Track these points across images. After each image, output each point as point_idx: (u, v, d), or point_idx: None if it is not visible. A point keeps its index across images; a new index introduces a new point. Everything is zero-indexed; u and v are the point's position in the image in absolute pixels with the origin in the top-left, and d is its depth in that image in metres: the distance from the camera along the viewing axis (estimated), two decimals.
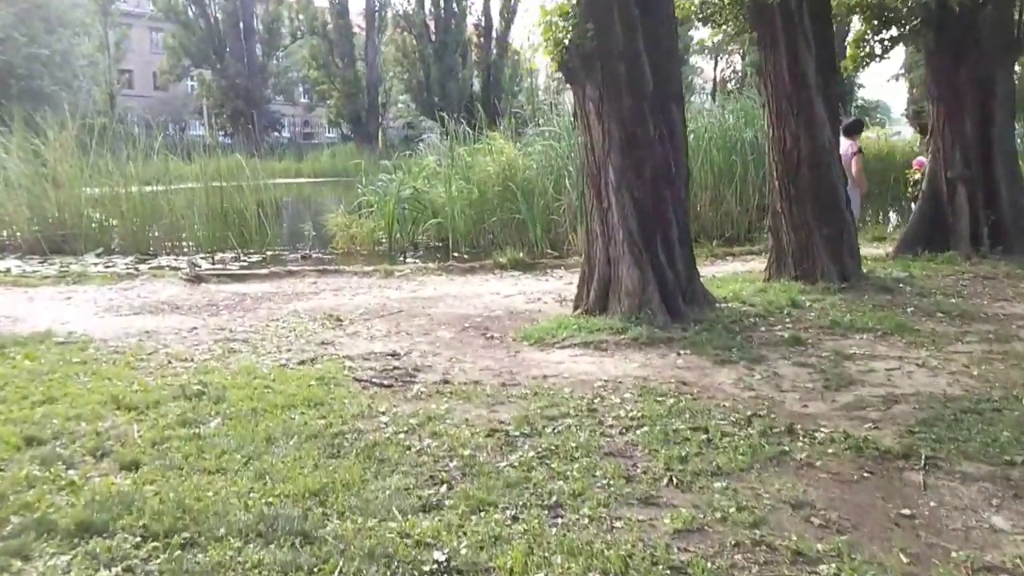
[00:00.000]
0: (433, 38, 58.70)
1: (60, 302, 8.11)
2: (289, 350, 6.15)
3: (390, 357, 5.93)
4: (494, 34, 61.81)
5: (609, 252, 6.74)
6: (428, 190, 12.81)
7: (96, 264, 10.87)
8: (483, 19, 61.69)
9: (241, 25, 51.56)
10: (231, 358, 5.89)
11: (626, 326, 6.32)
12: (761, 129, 12.93)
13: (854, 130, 10.65)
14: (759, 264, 10.25)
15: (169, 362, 5.77)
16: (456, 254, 11.90)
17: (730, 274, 9.15)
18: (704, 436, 4.18)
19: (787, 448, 4.03)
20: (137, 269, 9.88)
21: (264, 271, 9.39)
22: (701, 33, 57.22)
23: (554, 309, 7.63)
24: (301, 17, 56.32)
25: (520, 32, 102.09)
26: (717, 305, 7.03)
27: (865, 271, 8.30)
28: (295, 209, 22.52)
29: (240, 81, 50.64)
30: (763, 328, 6.48)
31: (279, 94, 62.95)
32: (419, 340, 6.48)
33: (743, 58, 50.46)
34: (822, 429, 4.30)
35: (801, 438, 4.18)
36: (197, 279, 9.09)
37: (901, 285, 7.92)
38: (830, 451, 4.02)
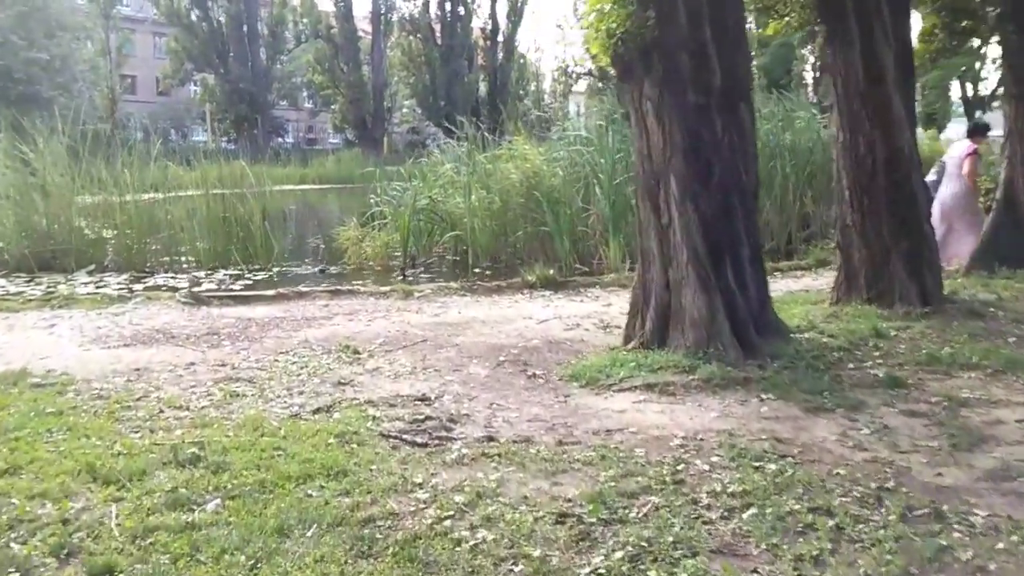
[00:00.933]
0: (439, 42, 57.94)
1: (42, 331, 7.26)
2: (301, 392, 5.29)
3: (419, 402, 5.07)
4: (500, 37, 61.17)
5: (669, 275, 5.86)
6: (445, 200, 11.93)
7: (87, 283, 10.03)
8: (490, 22, 60.96)
9: (245, 28, 50.87)
10: (234, 404, 5.04)
11: (693, 363, 5.44)
12: (800, 133, 12.09)
13: (979, 132, 9.98)
14: (812, 282, 9.39)
15: (160, 411, 4.92)
16: (477, 269, 11.03)
17: (785, 294, 8.25)
18: (831, 522, 3.31)
19: (944, 542, 3.15)
20: (131, 290, 9.02)
21: (271, 292, 8.53)
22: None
23: (598, 338, 6.76)
24: (306, 20, 55.61)
25: (527, 35, 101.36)
26: (790, 335, 6.13)
27: (944, 292, 7.40)
28: (301, 218, 21.68)
29: (244, 85, 49.91)
30: (851, 365, 5.59)
31: (283, 99, 62.25)
32: (450, 378, 5.62)
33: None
34: (976, 511, 3.43)
35: (955, 525, 3.31)
36: (197, 301, 8.21)
37: (992, 309, 7.02)
38: (1000, 546, 3.13)
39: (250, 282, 10.40)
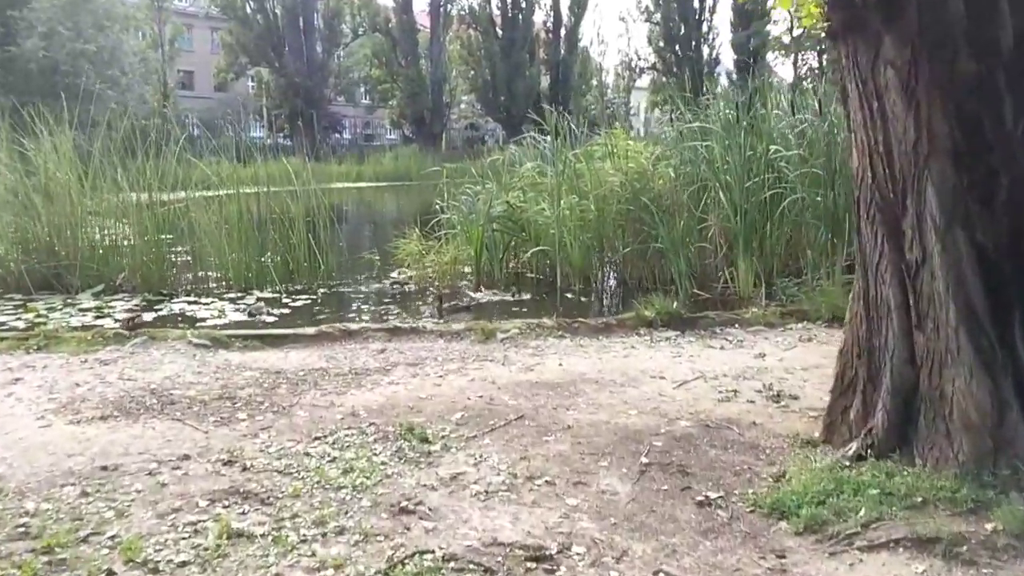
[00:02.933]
0: (500, 35, 56.22)
1: (2, 387, 5.37)
2: (341, 531, 3.34)
3: (534, 563, 3.03)
4: (563, 30, 59.25)
5: (918, 341, 3.72)
6: (525, 207, 9.87)
7: (87, 311, 8.20)
8: (552, 15, 59.03)
9: (301, 21, 49.52)
10: (232, 558, 3.07)
11: (981, 495, 3.31)
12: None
13: None
14: None
15: (110, 572, 2.96)
16: (569, 294, 8.96)
17: None
18: None
19: None
20: (132, 329, 7.09)
21: (311, 331, 6.57)
22: (777, 28, 53.69)
23: (775, 419, 4.69)
24: (363, 13, 54.27)
25: (589, 29, 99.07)
26: None
27: None
28: (356, 222, 19.80)
29: (299, 80, 48.63)
30: None
31: (340, 94, 61.06)
32: (573, 502, 3.62)
33: (820, 56, 46.94)
34: None
35: None
36: (214, 343, 6.29)
37: None
38: None
39: (287, 310, 8.44)
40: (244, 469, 4.00)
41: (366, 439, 4.41)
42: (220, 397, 5.22)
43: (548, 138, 10.22)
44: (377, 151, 51.95)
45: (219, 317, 8.00)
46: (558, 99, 62.15)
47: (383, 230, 17.69)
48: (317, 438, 4.44)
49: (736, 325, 6.95)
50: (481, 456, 4.16)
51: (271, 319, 7.99)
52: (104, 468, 4.03)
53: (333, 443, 4.35)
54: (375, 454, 4.18)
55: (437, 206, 10.52)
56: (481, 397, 5.18)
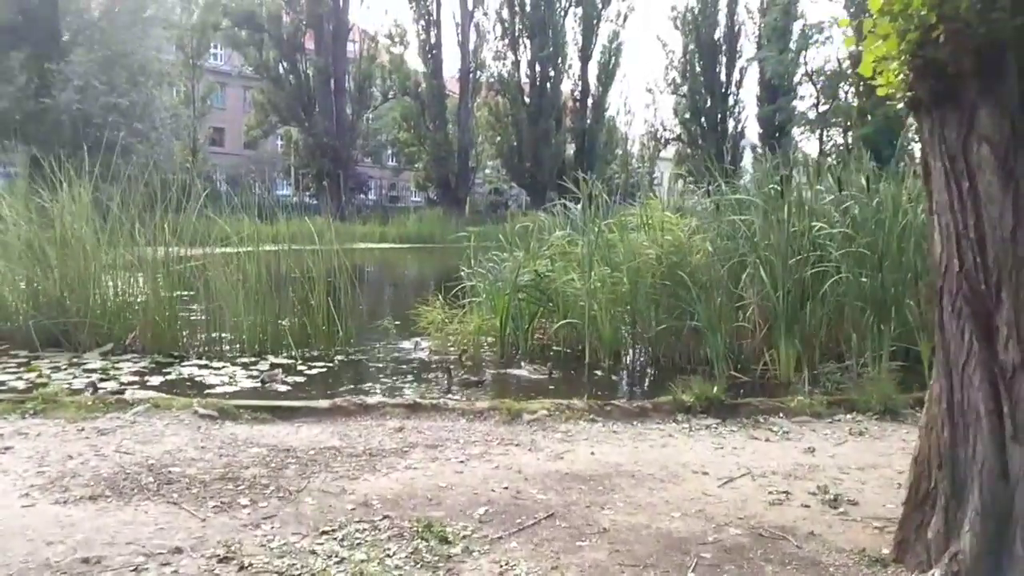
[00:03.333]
0: (527, 102, 56.79)
1: None
2: None
3: None
4: (590, 99, 59.86)
5: (1012, 456, 3.25)
6: (554, 276, 9.48)
7: (91, 372, 7.81)
8: (579, 83, 59.68)
9: (332, 83, 50.20)
10: None
11: None
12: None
13: None
14: None
15: None
16: (599, 371, 8.50)
17: None
18: None
19: None
20: (134, 395, 6.71)
21: (325, 404, 6.15)
22: (803, 104, 53.89)
23: (835, 529, 4.23)
24: (394, 77, 55.03)
25: (616, 98, 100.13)
26: None
27: None
28: (377, 283, 19.51)
29: (327, 140, 49.10)
30: None
31: (367, 156, 61.72)
32: None
33: (846, 132, 46.99)
34: None
35: None
36: (221, 415, 5.88)
37: None
38: None
39: (301, 378, 8.04)
40: (241, 568, 3.56)
41: (379, 536, 3.96)
42: (222, 477, 4.79)
43: (579, 206, 9.88)
44: (402, 212, 52.18)
45: (230, 384, 7.60)
46: (583, 167, 62.57)
47: (405, 294, 17.38)
48: (325, 532, 3.99)
49: (781, 414, 6.46)
50: (507, 563, 3.69)
51: (284, 388, 7.57)
52: (85, 561, 3.61)
53: (342, 539, 3.90)
54: (388, 555, 3.73)
55: (462, 272, 10.15)
56: (507, 489, 4.72)
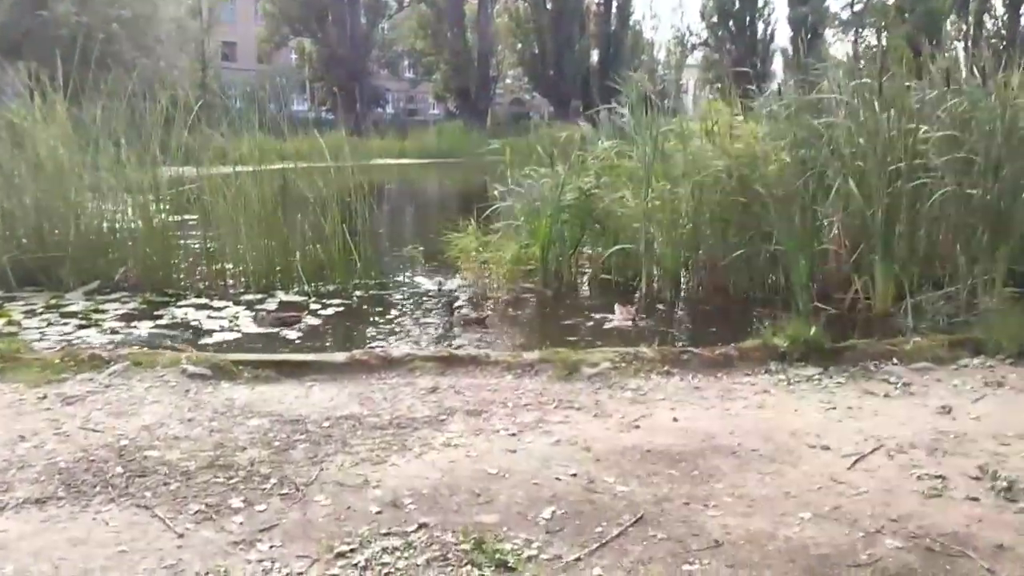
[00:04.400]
0: (549, 7, 54.44)
1: None
2: None
3: None
4: (614, 3, 57.31)
5: None
6: (599, 193, 8.28)
7: (72, 316, 6.82)
8: None
9: None
10: None
11: None
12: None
13: None
14: None
15: None
16: (661, 305, 7.37)
17: None
18: None
19: None
20: (114, 350, 5.69)
21: (342, 357, 5.12)
22: (836, 3, 51.22)
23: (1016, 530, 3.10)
24: None
25: (642, 2, 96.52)
26: None
27: None
28: (399, 204, 18.27)
29: (342, 51, 47.21)
30: None
31: (383, 67, 59.66)
32: None
33: (880, 33, 44.57)
34: None
35: None
36: (215, 372, 4.86)
37: None
38: None
39: (316, 319, 6.99)
40: None
41: (414, 559, 2.93)
42: (211, 464, 3.77)
43: (629, 111, 8.60)
44: (420, 126, 50.51)
45: (231, 329, 6.57)
46: (608, 74, 60.24)
47: (429, 215, 16.24)
48: (341, 555, 2.98)
49: (894, 360, 5.33)
50: None
51: (294, 335, 6.52)
52: None
53: (364, 567, 2.87)
54: None
55: (494, 191, 8.92)
56: (575, 476, 3.66)
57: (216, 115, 9.61)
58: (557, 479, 3.63)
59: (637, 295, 7.77)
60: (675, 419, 4.40)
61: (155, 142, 7.96)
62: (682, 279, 7.88)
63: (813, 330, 5.41)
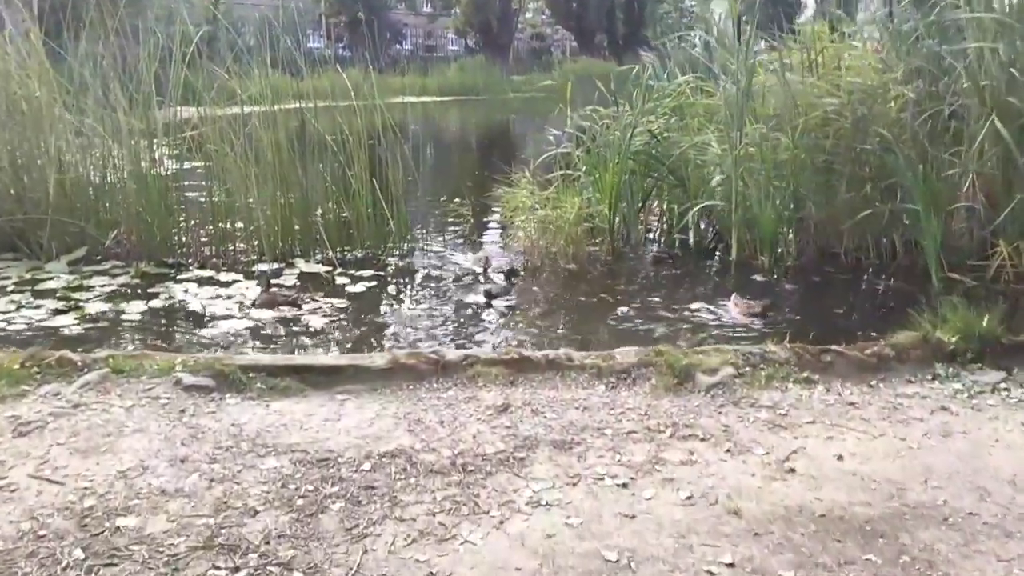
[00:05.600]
0: None
1: None
2: None
3: None
4: None
5: None
6: (675, 136, 7.02)
7: (50, 294, 5.68)
8: None
9: None
10: None
11: None
12: None
13: None
14: None
15: None
16: (759, 276, 6.15)
17: None
18: None
19: None
20: (88, 354, 4.55)
21: (382, 362, 3.99)
22: None
23: None
24: None
25: None
26: None
27: None
28: (429, 146, 16.85)
29: None
30: None
31: (401, 1, 57.67)
32: None
33: None
34: None
35: None
36: (219, 381, 3.74)
37: None
38: None
39: (342, 301, 5.82)
40: None
41: None
42: (210, 542, 2.68)
43: (706, 40, 7.28)
44: (440, 63, 48.63)
45: (241, 317, 5.39)
46: (633, 8, 57.89)
47: (463, 158, 14.87)
48: None
49: None
50: None
51: (320, 322, 5.36)
52: None
53: None
54: None
55: (549, 135, 7.61)
56: (732, 568, 2.52)
57: (223, 50, 8.33)
58: (710, 573, 2.49)
59: (730, 260, 6.55)
60: (839, 456, 3.25)
61: (149, 79, 6.70)
62: (780, 243, 6.60)
63: (985, 320, 4.20)
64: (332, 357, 4.15)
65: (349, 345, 5.06)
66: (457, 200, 7.92)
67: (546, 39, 65.02)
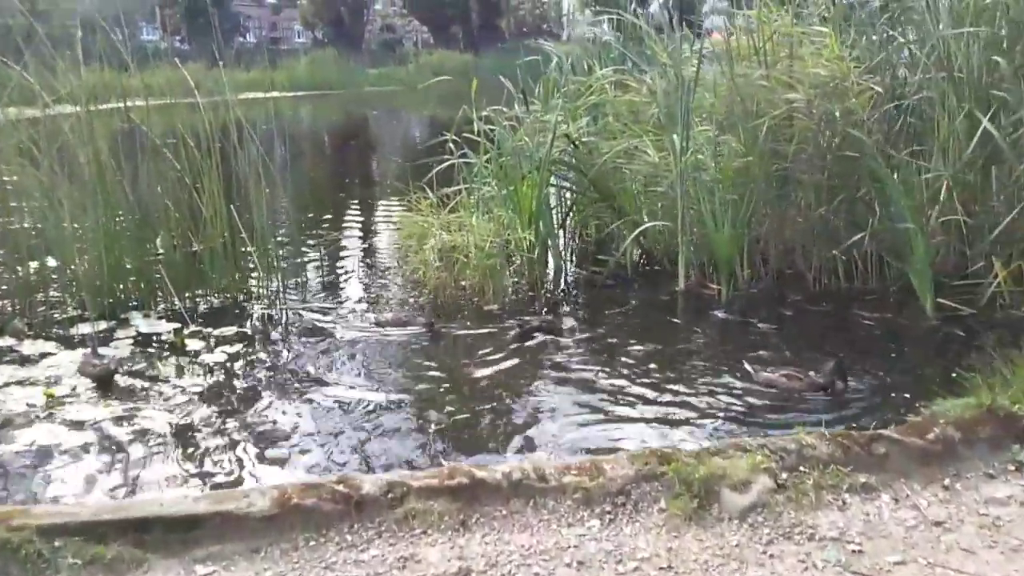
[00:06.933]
0: None
1: None
2: None
3: None
4: None
5: None
6: (597, 143, 5.95)
7: None
8: None
9: None
10: None
11: None
12: None
13: None
14: None
15: None
16: (720, 311, 5.10)
17: None
18: None
19: None
20: None
21: (263, 503, 2.69)
22: None
23: None
24: None
25: None
26: None
27: None
28: (281, 148, 15.11)
29: None
30: None
31: None
32: None
33: None
34: None
35: None
36: (10, 556, 2.31)
37: None
38: None
39: (197, 380, 4.38)
40: None
41: None
42: None
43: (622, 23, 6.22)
44: (288, 56, 46.19)
45: (46, 417, 3.84)
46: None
47: (328, 163, 13.31)
48: None
49: None
50: None
51: (161, 421, 3.86)
52: None
53: None
54: None
55: (449, 142, 6.26)
56: None
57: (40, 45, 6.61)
58: None
59: (678, 287, 5.47)
60: None
61: None
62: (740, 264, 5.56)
63: None
64: (186, 500, 2.78)
65: (210, 468, 3.48)
66: (329, 217, 6.49)
67: (397, 31, 63.44)
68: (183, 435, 3.74)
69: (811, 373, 4.07)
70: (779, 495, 2.81)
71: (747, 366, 4.14)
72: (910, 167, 5.21)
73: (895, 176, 5.12)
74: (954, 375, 3.95)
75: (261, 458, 3.54)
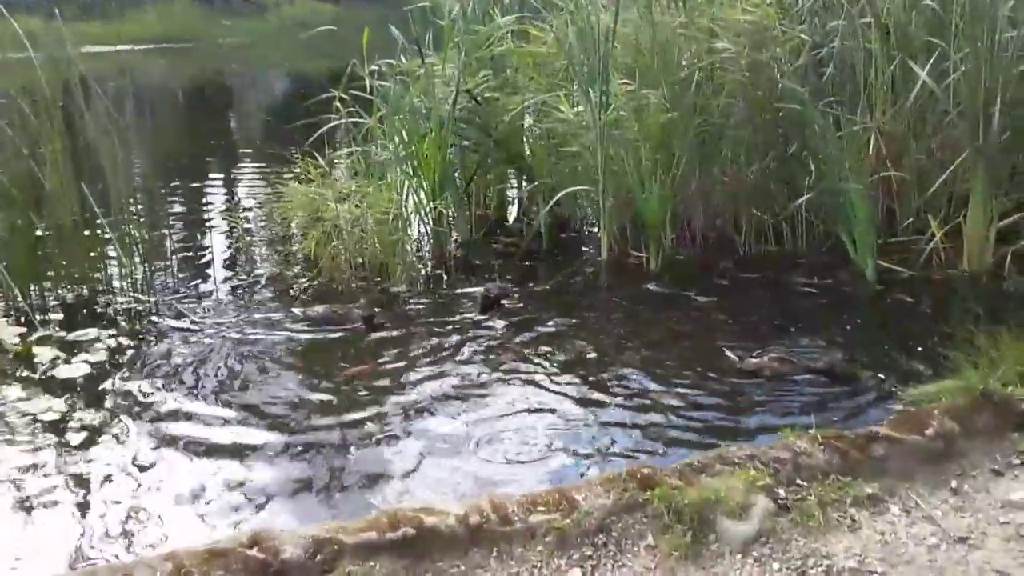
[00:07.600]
0: None
1: None
2: None
3: None
4: None
5: None
6: (499, 99, 5.42)
7: None
8: None
9: None
10: None
11: None
12: None
13: None
14: None
15: None
16: (653, 283, 4.66)
17: None
18: None
19: None
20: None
21: None
22: None
23: None
24: None
25: None
26: None
27: None
28: (134, 108, 13.81)
29: None
30: None
31: None
32: None
33: None
34: None
35: None
36: None
37: None
38: None
39: (50, 406, 3.57)
40: None
41: None
42: None
43: None
44: (136, 6, 43.05)
45: None
46: None
47: (189, 122, 12.20)
48: None
49: None
50: None
51: (13, 461, 3.07)
52: None
53: None
54: None
55: (337, 101, 5.50)
56: None
57: None
58: None
59: (600, 257, 5.00)
60: None
61: None
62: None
63: None
64: None
65: (73, 533, 2.64)
66: (195, 186, 5.68)
67: None
68: (33, 488, 2.89)
69: (801, 355, 3.69)
70: (782, 518, 2.39)
71: (728, 353, 3.68)
72: (837, 120, 4.90)
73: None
74: (920, 349, 3.68)
75: (142, 514, 2.75)
